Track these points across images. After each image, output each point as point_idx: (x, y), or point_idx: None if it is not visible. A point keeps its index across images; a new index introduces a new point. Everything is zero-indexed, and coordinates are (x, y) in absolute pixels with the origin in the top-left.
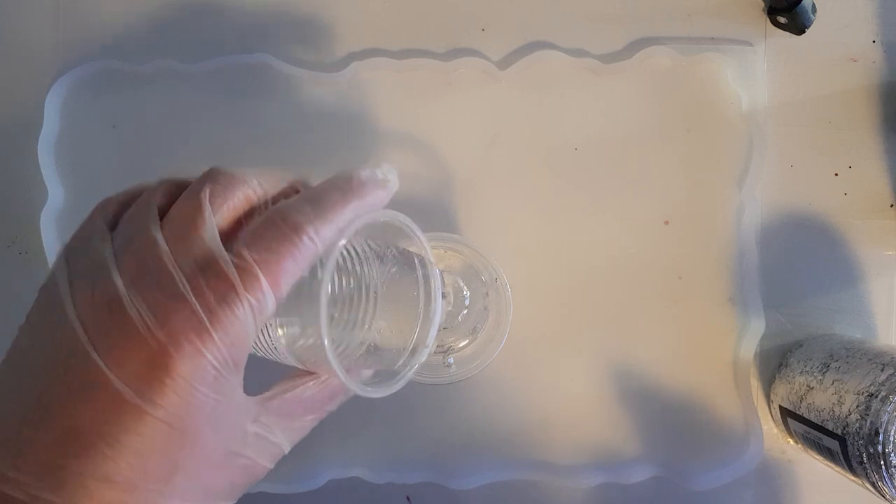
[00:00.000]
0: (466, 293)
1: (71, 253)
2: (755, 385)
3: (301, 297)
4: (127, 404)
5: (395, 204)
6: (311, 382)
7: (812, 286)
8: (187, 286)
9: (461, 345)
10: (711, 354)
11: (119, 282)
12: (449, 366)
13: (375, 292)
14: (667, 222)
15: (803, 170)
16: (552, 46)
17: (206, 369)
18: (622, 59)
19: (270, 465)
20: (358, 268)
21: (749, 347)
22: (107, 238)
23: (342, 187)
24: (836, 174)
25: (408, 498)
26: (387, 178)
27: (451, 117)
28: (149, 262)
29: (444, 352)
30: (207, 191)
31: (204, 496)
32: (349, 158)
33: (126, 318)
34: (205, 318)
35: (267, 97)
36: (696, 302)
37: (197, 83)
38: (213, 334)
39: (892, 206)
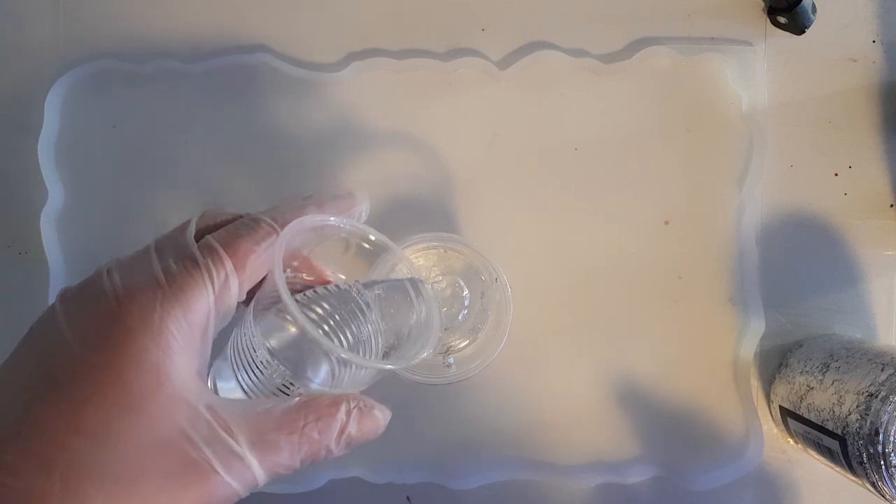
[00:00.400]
0: (466, 293)
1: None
2: (755, 385)
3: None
4: (74, 353)
5: (396, 205)
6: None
7: (812, 286)
8: (155, 258)
9: (461, 345)
10: (711, 354)
11: (106, 265)
12: (449, 366)
13: (377, 334)
14: (667, 222)
15: (803, 170)
16: (552, 46)
17: (153, 319)
18: (622, 59)
19: (237, 486)
20: (355, 327)
21: (749, 347)
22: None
23: (305, 198)
24: (836, 174)
25: (408, 498)
26: (353, 194)
27: (451, 117)
28: (142, 253)
29: (444, 352)
30: (197, 216)
31: (149, 483)
32: (349, 159)
33: (99, 289)
34: (161, 276)
35: (267, 97)
36: (696, 302)
37: (197, 83)
38: (167, 288)
39: (892, 206)
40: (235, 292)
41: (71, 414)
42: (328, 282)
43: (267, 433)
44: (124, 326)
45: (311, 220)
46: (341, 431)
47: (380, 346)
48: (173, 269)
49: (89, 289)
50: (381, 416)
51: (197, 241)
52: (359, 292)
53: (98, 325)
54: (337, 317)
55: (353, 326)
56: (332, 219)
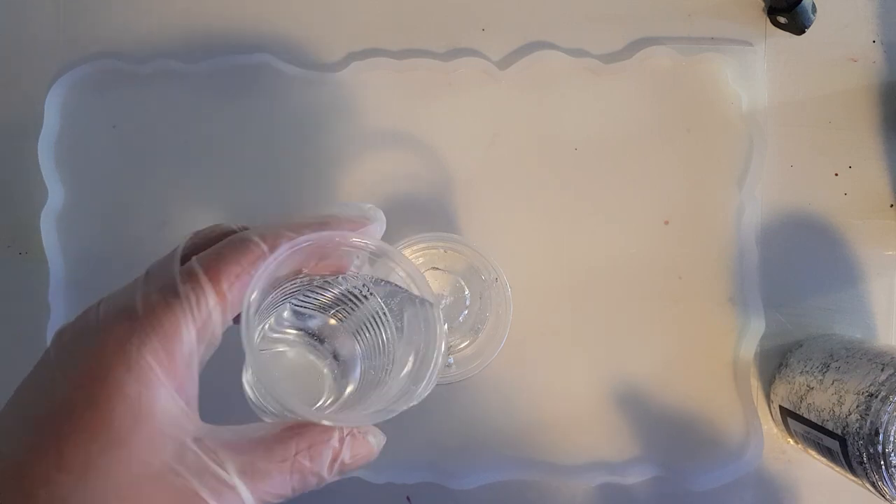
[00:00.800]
0: (467, 293)
1: None
2: (755, 385)
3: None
4: (62, 390)
5: (396, 205)
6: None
7: (812, 286)
8: (140, 289)
9: (461, 345)
10: (711, 354)
11: (100, 298)
12: (449, 366)
13: (391, 348)
14: (667, 222)
15: (803, 170)
16: (552, 46)
17: (129, 352)
18: (622, 59)
19: None
20: (372, 332)
21: (749, 347)
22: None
23: (309, 218)
24: (836, 174)
25: (408, 498)
26: (365, 216)
27: (451, 117)
28: (132, 283)
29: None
30: (190, 236)
31: None
32: (349, 158)
33: (85, 324)
34: (139, 307)
35: (267, 97)
36: (696, 302)
37: (197, 83)
38: (143, 320)
39: (892, 206)
40: (220, 320)
41: (56, 451)
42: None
43: (257, 461)
44: (102, 361)
45: (305, 240)
46: (334, 459)
47: (395, 356)
48: (153, 299)
49: (78, 324)
50: (374, 443)
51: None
52: (372, 293)
53: (82, 361)
54: (350, 315)
55: (370, 330)
56: (333, 235)
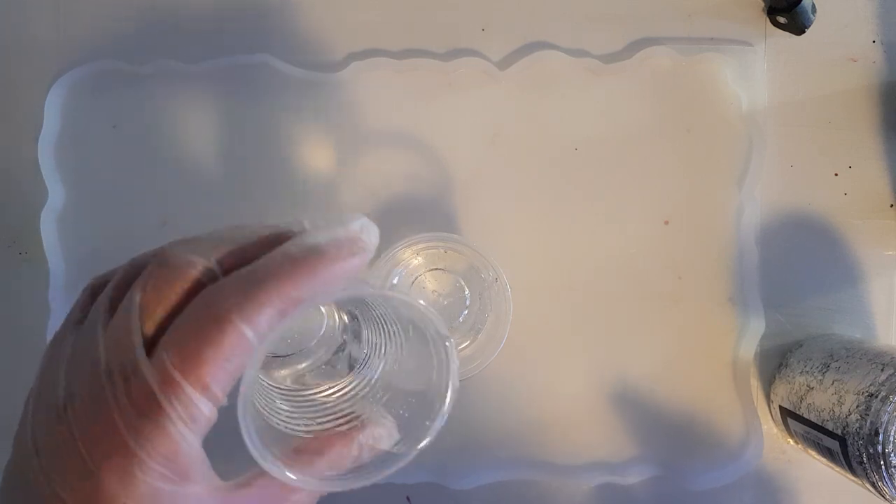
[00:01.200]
0: (467, 293)
1: (53, 341)
2: (755, 385)
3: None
4: None
5: (396, 205)
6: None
7: (812, 286)
8: (114, 401)
9: (461, 345)
10: (711, 354)
11: (61, 393)
12: None
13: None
14: (667, 222)
15: (803, 170)
16: (552, 46)
17: (137, 487)
18: (622, 60)
19: None
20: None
21: (749, 347)
22: (68, 334)
23: (293, 257)
24: (836, 174)
25: (408, 498)
26: (358, 239)
27: (451, 117)
28: (88, 372)
29: None
30: (138, 296)
31: None
32: (349, 159)
33: (66, 431)
34: (129, 439)
35: (267, 97)
36: (696, 302)
37: (197, 83)
38: (139, 452)
39: (891, 206)
40: (213, 409)
41: None
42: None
43: None
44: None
45: (300, 312)
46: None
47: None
48: (137, 424)
49: (59, 426)
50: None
51: (121, 292)
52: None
53: (83, 492)
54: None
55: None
56: (323, 296)
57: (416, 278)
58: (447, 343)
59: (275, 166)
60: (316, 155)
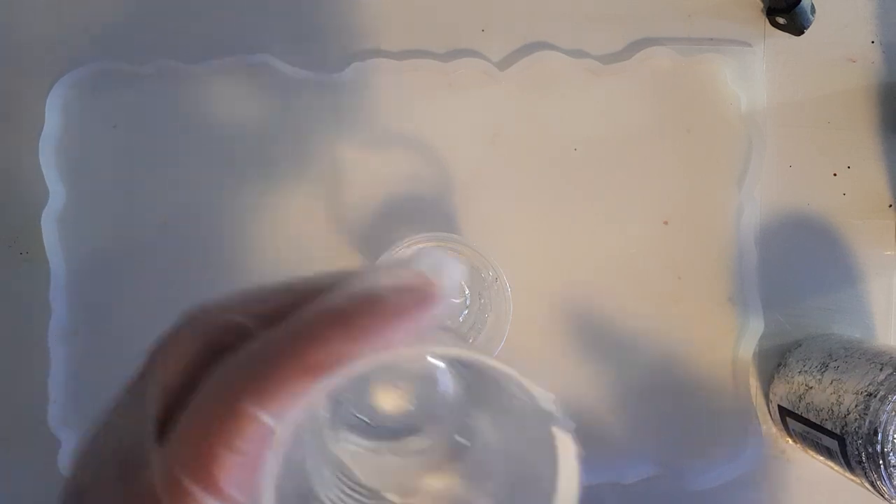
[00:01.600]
0: (467, 293)
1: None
2: (754, 385)
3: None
4: None
5: (396, 205)
6: None
7: (811, 286)
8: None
9: None
10: (711, 354)
11: (80, 479)
12: None
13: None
14: (666, 222)
15: (802, 170)
16: (552, 47)
17: None
18: (622, 60)
19: None
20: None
21: (748, 347)
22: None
23: (333, 311)
24: (835, 174)
25: None
26: (428, 282)
27: (451, 117)
28: (100, 461)
29: None
30: (157, 371)
31: None
32: (349, 159)
33: None
34: None
35: (267, 97)
36: (696, 302)
37: (197, 83)
38: None
39: (890, 206)
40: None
41: None
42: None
43: None
44: None
45: (337, 386)
46: None
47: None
48: None
49: None
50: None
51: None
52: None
53: None
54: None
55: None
56: (384, 359)
57: None
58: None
59: (274, 166)
60: (316, 155)
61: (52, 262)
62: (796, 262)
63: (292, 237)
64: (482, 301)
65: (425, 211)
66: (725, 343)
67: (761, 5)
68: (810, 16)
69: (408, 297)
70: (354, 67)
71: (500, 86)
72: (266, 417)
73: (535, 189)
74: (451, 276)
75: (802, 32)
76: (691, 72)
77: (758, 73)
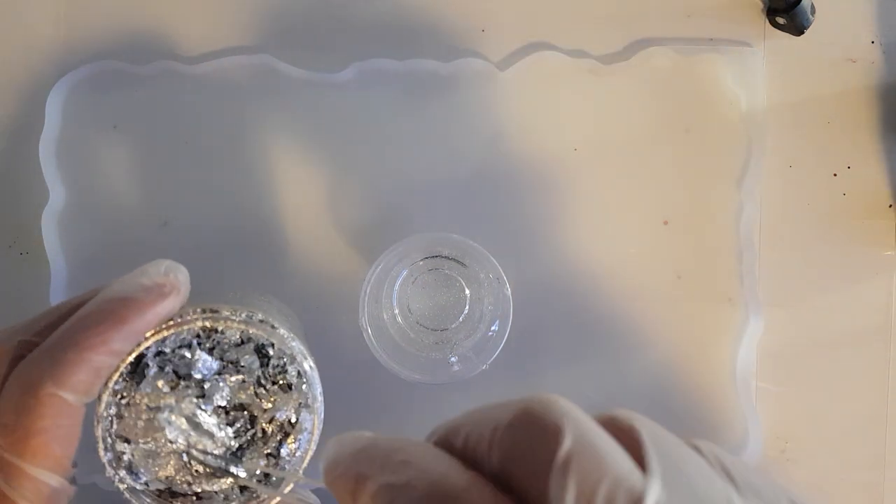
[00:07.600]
0: (467, 293)
1: None
2: (754, 385)
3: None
4: None
5: (395, 205)
6: None
7: (811, 286)
8: None
9: (461, 345)
10: (711, 354)
11: None
12: (452, 365)
13: None
14: (666, 222)
15: (802, 170)
16: (552, 47)
17: None
18: (622, 60)
19: None
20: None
21: (748, 347)
22: None
23: (97, 310)
24: (835, 174)
25: None
26: (164, 282)
27: (451, 117)
28: None
29: (451, 350)
30: None
31: None
32: (349, 159)
33: None
34: None
35: (267, 97)
36: (696, 302)
37: (197, 83)
38: None
39: (890, 206)
40: (61, 483)
41: None
42: None
43: None
44: None
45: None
46: None
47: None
48: None
49: None
50: None
51: None
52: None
53: None
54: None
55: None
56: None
57: (416, 279)
58: None
59: (274, 166)
60: (315, 155)
61: (53, 263)
62: (796, 262)
63: (292, 237)
64: (482, 301)
65: (425, 211)
66: (726, 343)
67: (761, 5)
68: (810, 16)
69: (155, 291)
70: (354, 67)
71: (500, 86)
72: (68, 396)
73: (534, 189)
74: (183, 272)
75: (802, 32)
76: (691, 72)
77: (758, 73)
